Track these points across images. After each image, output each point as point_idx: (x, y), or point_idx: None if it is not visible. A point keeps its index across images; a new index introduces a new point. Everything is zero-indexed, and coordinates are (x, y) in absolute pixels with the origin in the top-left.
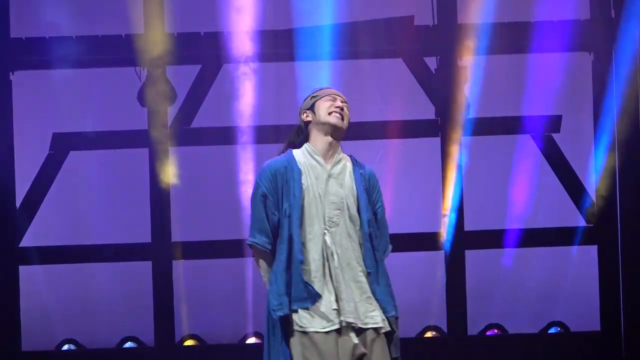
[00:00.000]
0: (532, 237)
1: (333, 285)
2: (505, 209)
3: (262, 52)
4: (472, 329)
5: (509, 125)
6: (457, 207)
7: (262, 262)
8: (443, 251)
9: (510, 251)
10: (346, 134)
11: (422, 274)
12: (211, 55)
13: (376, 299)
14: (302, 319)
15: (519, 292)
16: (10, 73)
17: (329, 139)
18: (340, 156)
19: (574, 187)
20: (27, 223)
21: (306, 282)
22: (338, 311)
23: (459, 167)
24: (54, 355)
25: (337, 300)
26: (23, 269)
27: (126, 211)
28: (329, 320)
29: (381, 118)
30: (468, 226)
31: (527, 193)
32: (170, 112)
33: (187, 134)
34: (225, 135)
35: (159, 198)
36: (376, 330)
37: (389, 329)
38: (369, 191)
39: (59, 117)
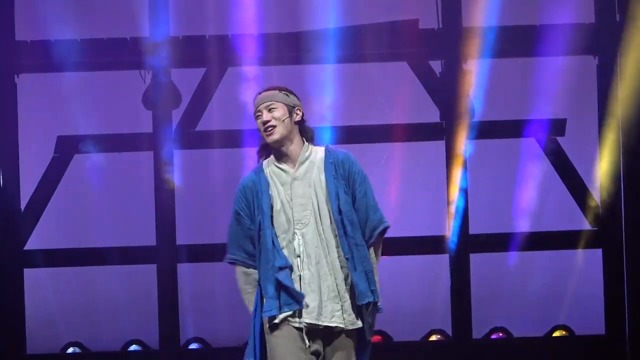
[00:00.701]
0: (537, 241)
1: (300, 286)
2: (510, 212)
3: (267, 55)
4: (477, 333)
5: (513, 129)
6: (462, 210)
7: (243, 278)
8: (448, 254)
9: (514, 254)
10: (351, 137)
11: (427, 277)
12: (216, 58)
13: (354, 285)
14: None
15: (523, 296)
16: (16, 76)
17: (279, 150)
18: (307, 154)
19: (579, 190)
20: (32, 226)
21: (290, 287)
22: (300, 311)
23: (464, 170)
24: (58, 358)
25: (306, 302)
26: (28, 272)
27: (131, 214)
28: (292, 317)
29: (386, 121)
30: (473, 229)
31: (531, 196)
32: (175, 115)
33: (192, 137)
34: (230, 139)
35: (164, 201)
36: (341, 329)
37: (353, 327)
38: (343, 177)
39: (64, 120)
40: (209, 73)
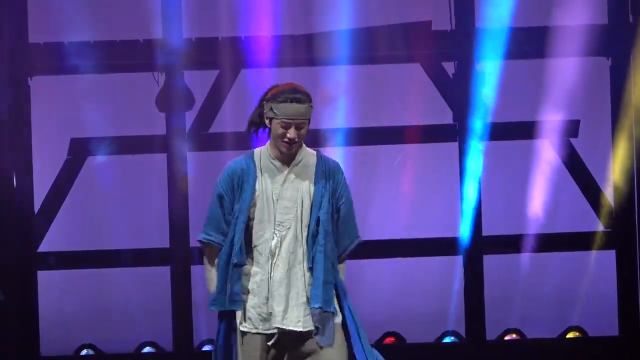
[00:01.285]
0: (550, 242)
1: (269, 290)
2: (523, 214)
3: (280, 57)
4: (491, 334)
5: (526, 130)
6: (475, 211)
7: (212, 260)
8: (461, 256)
9: (528, 256)
10: (364, 139)
11: (440, 279)
12: (229, 60)
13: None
14: (240, 319)
15: (537, 297)
16: (29, 78)
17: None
18: (301, 156)
19: (592, 192)
20: (45, 228)
21: (241, 286)
22: (271, 316)
23: (477, 171)
24: None
25: (271, 305)
26: (41, 274)
27: (144, 216)
28: (261, 322)
29: (399, 123)
30: (486, 231)
31: (545, 198)
32: (188, 117)
33: (205, 139)
34: (243, 140)
35: (178, 203)
36: (309, 331)
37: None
38: (331, 187)
39: (77, 122)
40: (222, 75)
